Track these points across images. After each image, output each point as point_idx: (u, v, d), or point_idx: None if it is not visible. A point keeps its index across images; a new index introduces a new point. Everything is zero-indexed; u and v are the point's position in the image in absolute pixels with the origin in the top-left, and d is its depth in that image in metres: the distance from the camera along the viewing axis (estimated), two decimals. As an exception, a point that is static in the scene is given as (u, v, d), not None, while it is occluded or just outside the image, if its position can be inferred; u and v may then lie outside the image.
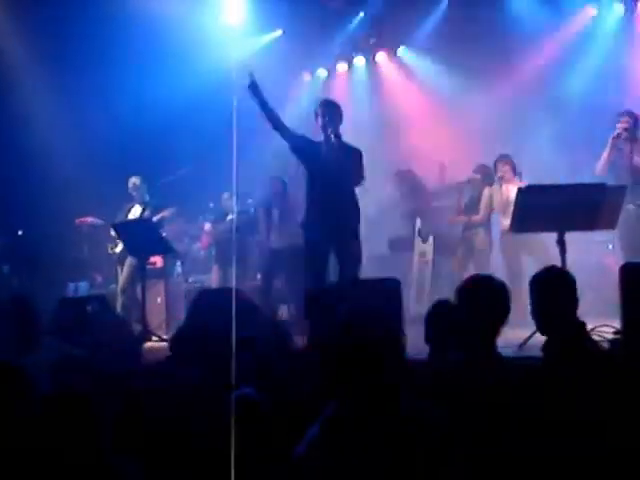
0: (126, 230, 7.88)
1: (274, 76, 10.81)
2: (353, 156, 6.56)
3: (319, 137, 6.58)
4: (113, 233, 8.44)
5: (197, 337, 4.74)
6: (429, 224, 8.84)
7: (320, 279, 6.41)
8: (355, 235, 6.52)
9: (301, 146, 6.55)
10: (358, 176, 6.55)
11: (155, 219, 8.35)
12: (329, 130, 6.46)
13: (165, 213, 8.48)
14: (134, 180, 8.66)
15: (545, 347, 3.51)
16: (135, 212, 8.61)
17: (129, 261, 8.30)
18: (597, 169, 7.04)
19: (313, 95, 10.76)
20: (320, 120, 6.52)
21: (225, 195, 9.37)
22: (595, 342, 3.62)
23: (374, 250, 9.54)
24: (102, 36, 9.53)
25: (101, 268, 9.48)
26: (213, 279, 9.35)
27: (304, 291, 6.28)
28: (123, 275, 8.39)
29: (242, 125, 10.75)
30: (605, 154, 7.01)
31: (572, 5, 9.83)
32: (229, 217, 9.37)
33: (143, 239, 7.58)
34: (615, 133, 7.00)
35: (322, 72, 11.59)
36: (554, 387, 3.22)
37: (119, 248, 8.42)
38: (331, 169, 6.41)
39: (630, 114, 7.10)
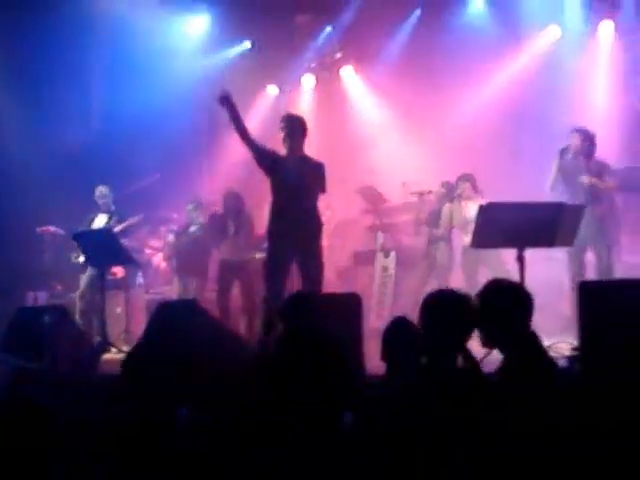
0: (86, 239, 7.78)
1: (240, 88, 10.93)
2: (315, 169, 6.61)
3: (283, 150, 6.61)
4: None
5: (152, 356, 4.70)
6: (391, 239, 8.89)
7: (280, 290, 6.40)
8: (317, 247, 6.55)
9: (266, 159, 6.57)
10: (320, 189, 6.62)
11: (121, 227, 8.26)
12: (291, 144, 6.52)
13: (131, 221, 8.39)
14: (102, 189, 8.58)
15: (501, 365, 3.54)
16: (100, 221, 8.53)
17: (89, 270, 8.22)
18: (547, 185, 7.15)
19: (278, 109, 10.81)
20: (283, 134, 6.56)
21: (190, 206, 9.32)
22: (547, 356, 3.63)
23: (339, 262, 9.59)
24: (70, 47, 9.52)
25: (62, 277, 9.36)
26: (174, 291, 9.28)
27: (263, 303, 6.32)
28: (83, 282, 8.30)
29: (210, 136, 10.92)
30: (553, 169, 7.13)
31: (536, 24, 9.98)
32: (192, 229, 9.31)
33: (103, 249, 7.51)
34: (562, 147, 7.13)
35: (288, 86, 11.59)
36: (506, 401, 3.24)
37: (82, 258, 8.33)
38: (294, 182, 6.46)
39: (581, 131, 7.21)
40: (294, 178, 6.45)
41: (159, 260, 10.11)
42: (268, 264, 6.61)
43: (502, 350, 3.55)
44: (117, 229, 8.27)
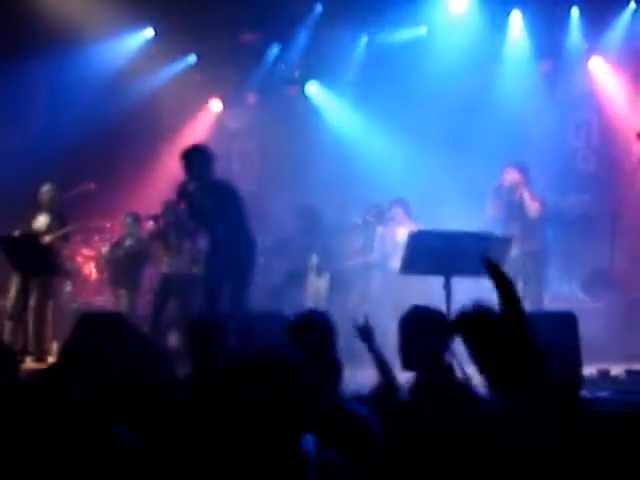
0: (13, 246, 7.59)
1: (183, 101, 10.89)
2: (218, 192, 6.75)
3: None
4: None
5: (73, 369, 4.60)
6: (326, 261, 8.88)
7: (213, 309, 6.46)
8: (243, 269, 6.71)
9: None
10: (230, 209, 6.74)
11: (61, 233, 8.11)
12: (191, 176, 6.73)
13: (69, 228, 8.23)
14: (47, 187, 8.36)
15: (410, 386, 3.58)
16: (41, 220, 8.30)
17: (16, 278, 8.01)
18: (488, 218, 7.28)
19: (221, 124, 10.79)
20: (184, 168, 6.77)
21: (128, 219, 9.20)
22: (459, 383, 3.67)
23: (270, 281, 9.55)
24: (15, 56, 9.45)
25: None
26: (107, 303, 9.14)
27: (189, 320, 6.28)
28: (11, 297, 8.05)
29: (148, 148, 10.84)
30: (489, 205, 7.26)
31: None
32: (127, 242, 9.19)
33: (30, 257, 7.34)
34: (495, 185, 7.27)
35: (232, 101, 11.58)
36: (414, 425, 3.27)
37: None
38: (206, 209, 6.70)
39: (515, 166, 7.36)
40: (201, 208, 6.70)
41: (90, 269, 9.94)
42: (204, 286, 6.86)
43: (416, 372, 3.61)
44: (58, 234, 8.10)
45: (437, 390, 3.45)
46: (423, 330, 3.57)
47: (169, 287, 8.43)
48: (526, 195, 7.27)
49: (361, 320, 4.09)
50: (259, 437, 2.38)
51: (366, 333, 4.04)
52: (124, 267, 9.00)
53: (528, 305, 7.01)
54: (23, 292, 7.75)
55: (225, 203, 6.71)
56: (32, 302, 7.92)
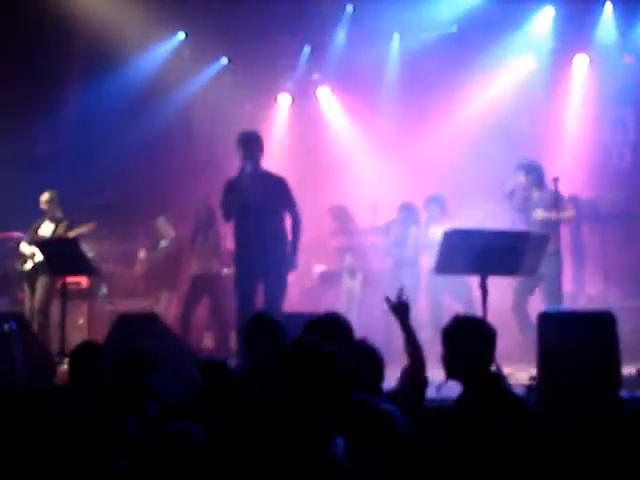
0: (49, 248, 7.67)
1: (215, 104, 10.93)
2: (277, 185, 6.60)
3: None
4: (23, 250, 8.25)
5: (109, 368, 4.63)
6: (359, 261, 8.86)
7: (248, 310, 6.32)
8: (279, 267, 6.53)
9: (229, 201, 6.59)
10: (288, 204, 6.60)
11: (73, 235, 8.06)
12: (249, 162, 6.50)
13: (83, 229, 8.18)
14: (47, 195, 8.34)
15: (459, 397, 3.54)
16: (46, 229, 8.33)
17: (43, 280, 8.06)
18: (511, 224, 7.17)
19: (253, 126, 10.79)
20: (241, 152, 6.56)
21: (160, 220, 9.24)
22: (509, 392, 3.62)
23: (304, 282, 9.55)
24: (46, 65, 9.68)
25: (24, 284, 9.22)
26: (146, 305, 9.18)
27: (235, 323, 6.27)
28: (39, 295, 8.07)
29: (184, 150, 10.90)
30: (511, 209, 7.16)
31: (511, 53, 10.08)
32: (162, 243, 9.24)
33: (66, 258, 7.40)
34: (507, 192, 7.16)
35: (265, 103, 11.59)
36: (464, 432, 3.24)
37: (29, 265, 8.18)
38: (254, 201, 6.45)
39: (523, 166, 7.23)
40: (254, 197, 6.45)
41: (126, 272, 10.00)
42: (236, 285, 6.64)
43: (463, 383, 3.57)
44: (70, 236, 8.07)
45: (484, 400, 3.40)
46: (468, 340, 3.51)
47: (199, 288, 8.47)
48: (547, 214, 7.02)
49: (397, 294, 3.93)
50: (289, 440, 2.35)
51: (401, 308, 3.91)
52: (161, 268, 9.06)
53: (545, 305, 6.96)
54: (52, 295, 7.94)
55: (283, 194, 6.62)
56: (36, 304, 8.02)
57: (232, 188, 6.57)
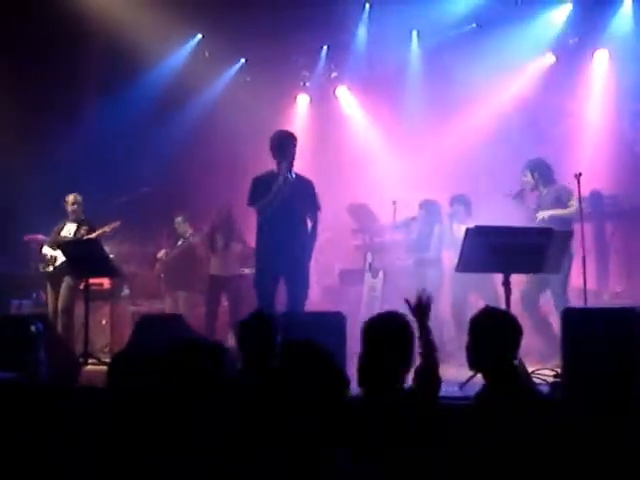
0: (72, 250, 7.71)
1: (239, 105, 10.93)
2: (307, 187, 6.64)
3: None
4: (46, 252, 8.28)
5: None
6: (380, 259, 8.84)
7: (269, 308, 6.32)
8: (304, 267, 6.58)
9: (259, 196, 6.59)
10: (313, 207, 6.66)
11: (94, 235, 8.06)
12: (283, 163, 6.51)
13: (106, 229, 8.18)
14: (74, 196, 8.36)
15: (480, 391, 3.54)
16: (69, 230, 8.34)
17: (66, 282, 8.08)
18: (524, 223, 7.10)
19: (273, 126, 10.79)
20: (275, 153, 6.57)
21: (178, 219, 9.28)
22: (530, 385, 3.63)
23: (325, 280, 9.55)
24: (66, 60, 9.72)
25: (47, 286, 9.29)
26: (165, 306, 9.23)
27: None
28: (62, 296, 8.08)
29: (211, 151, 10.93)
30: (519, 211, 7.11)
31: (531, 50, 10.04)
32: (180, 242, 9.28)
33: (89, 260, 7.44)
34: (514, 193, 7.10)
35: (285, 103, 11.61)
36: (484, 428, 3.23)
37: (51, 268, 8.22)
38: (285, 202, 6.48)
39: (528, 166, 7.16)
40: (285, 198, 6.49)
41: (147, 272, 10.05)
42: (257, 282, 6.65)
43: (485, 376, 3.56)
44: (92, 237, 8.08)
45: (506, 392, 3.41)
46: (495, 332, 3.53)
47: (217, 288, 8.51)
48: (547, 214, 6.93)
49: (417, 296, 3.86)
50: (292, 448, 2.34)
51: (421, 310, 3.86)
52: (179, 268, 9.08)
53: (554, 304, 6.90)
54: (75, 296, 7.98)
55: (311, 197, 6.67)
56: (60, 305, 8.04)
57: (263, 186, 6.59)
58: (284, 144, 6.59)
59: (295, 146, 6.64)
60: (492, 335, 3.52)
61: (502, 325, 3.58)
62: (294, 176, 6.60)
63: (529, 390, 3.52)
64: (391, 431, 3.18)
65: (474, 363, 3.60)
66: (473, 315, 3.67)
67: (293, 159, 6.62)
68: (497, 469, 3.11)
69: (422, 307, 3.83)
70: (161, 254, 9.43)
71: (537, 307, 6.99)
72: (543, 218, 6.86)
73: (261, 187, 6.58)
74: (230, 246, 8.56)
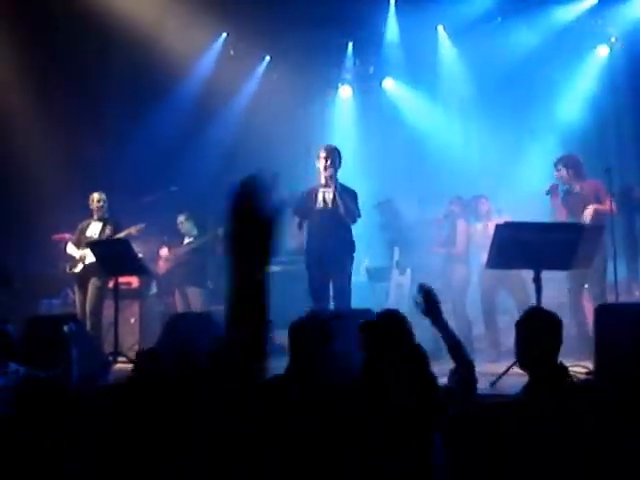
0: (101, 249, 7.75)
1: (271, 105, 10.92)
2: (350, 197, 7.03)
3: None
4: (71, 251, 8.31)
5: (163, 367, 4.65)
6: (408, 256, 8.79)
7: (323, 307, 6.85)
8: (346, 270, 7.04)
9: (301, 206, 7.06)
10: (354, 215, 7.06)
11: (121, 235, 8.07)
12: (330, 174, 6.94)
13: (132, 230, 8.16)
14: (98, 195, 8.34)
15: (527, 387, 3.51)
16: (94, 229, 8.33)
17: (94, 281, 8.09)
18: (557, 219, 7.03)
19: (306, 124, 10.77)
20: (323, 163, 6.96)
21: (181, 217, 9.25)
22: (575, 383, 3.62)
23: (354, 277, 9.50)
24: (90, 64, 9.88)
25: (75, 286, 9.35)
26: (176, 302, 9.17)
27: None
28: (91, 296, 8.07)
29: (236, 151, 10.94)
30: (552, 208, 7.04)
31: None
32: (186, 240, 9.24)
33: (118, 259, 7.48)
34: (547, 189, 7.02)
35: (317, 101, 11.59)
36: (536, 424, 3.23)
37: (79, 268, 8.25)
38: (329, 211, 6.97)
39: (561, 160, 7.09)
40: (330, 207, 6.97)
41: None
42: (310, 287, 7.08)
43: (532, 373, 3.56)
44: (120, 236, 8.07)
45: (552, 390, 3.41)
46: (545, 331, 3.53)
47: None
48: (592, 210, 6.86)
49: (423, 295, 3.76)
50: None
51: (429, 308, 3.75)
52: (189, 265, 9.03)
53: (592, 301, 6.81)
54: (103, 295, 8.06)
55: (354, 206, 7.06)
56: (88, 305, 8.06)
57: (310, 198, 7.05)
58: (329, 154, 7.00)
59: (339, 157, 7.11)
60: (540, 336, 3.51)
61: (549, 325, 3.57)
62: (339, 186, 7.04)
63: (575, 386, 3.51)
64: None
65: (522, 363, 3.59)
66: (521, 317, 3.65)
67: (337, 169, 7.06)
68: (540, 464, 3.11)
69: (430, 306, 3.77)
70: (164, 252, 9.34)
71: (582, 306, 6.89)
72: (591, 213, 6.76)
73: (307, 199, 7.07)
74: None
